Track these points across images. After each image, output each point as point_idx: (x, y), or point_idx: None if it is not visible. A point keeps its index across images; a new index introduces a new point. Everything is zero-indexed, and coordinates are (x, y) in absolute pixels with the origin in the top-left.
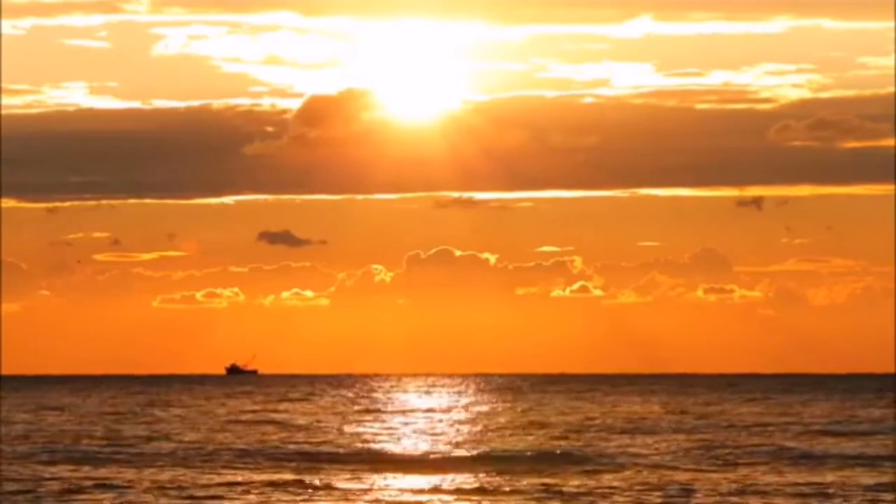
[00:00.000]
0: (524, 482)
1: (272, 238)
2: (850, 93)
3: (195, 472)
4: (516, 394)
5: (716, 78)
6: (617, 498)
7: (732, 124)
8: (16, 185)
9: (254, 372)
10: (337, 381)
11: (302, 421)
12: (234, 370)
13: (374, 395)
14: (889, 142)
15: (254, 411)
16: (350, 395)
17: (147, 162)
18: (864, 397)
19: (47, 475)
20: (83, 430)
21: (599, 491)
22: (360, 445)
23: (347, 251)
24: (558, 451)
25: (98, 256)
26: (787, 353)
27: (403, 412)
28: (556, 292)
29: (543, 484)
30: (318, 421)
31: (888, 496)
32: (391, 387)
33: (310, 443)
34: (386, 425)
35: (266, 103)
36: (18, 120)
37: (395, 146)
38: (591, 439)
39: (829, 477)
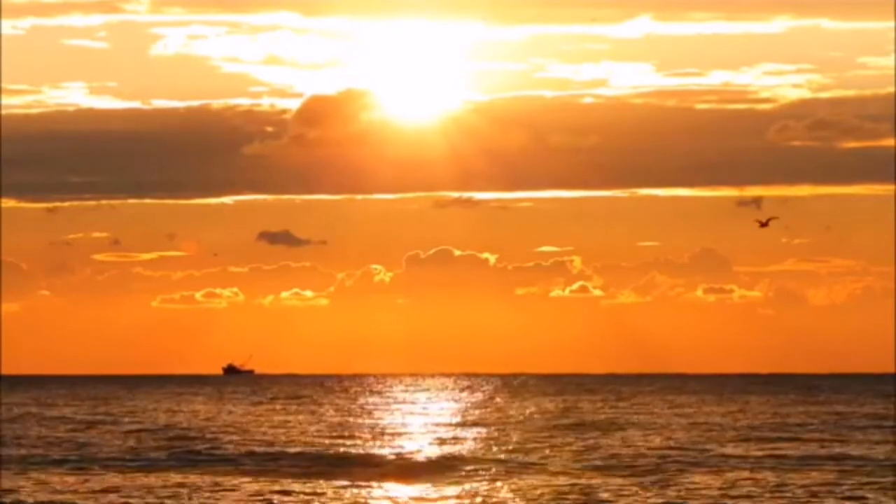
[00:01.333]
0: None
1: (272, 238)
2: (850, 93)
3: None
4: (475, 394)
5: (716, 78)
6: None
7: (732, 124)
8: (16, 185)
9: (250, 372)
10: (322, 381)
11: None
12: (230, 370)
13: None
14: (889, 142)
15: (191, 412)
16: (316, 396)
17: (147, 162)
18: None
19: None
20: None
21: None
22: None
23: (347, 251)
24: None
25: (98, 256)
26: (787, 352)
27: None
28: (556, 292)
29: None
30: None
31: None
32: (361, 389)
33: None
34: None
35: (266, 103)
36: (18, 120)
37: (394, 146)
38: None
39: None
